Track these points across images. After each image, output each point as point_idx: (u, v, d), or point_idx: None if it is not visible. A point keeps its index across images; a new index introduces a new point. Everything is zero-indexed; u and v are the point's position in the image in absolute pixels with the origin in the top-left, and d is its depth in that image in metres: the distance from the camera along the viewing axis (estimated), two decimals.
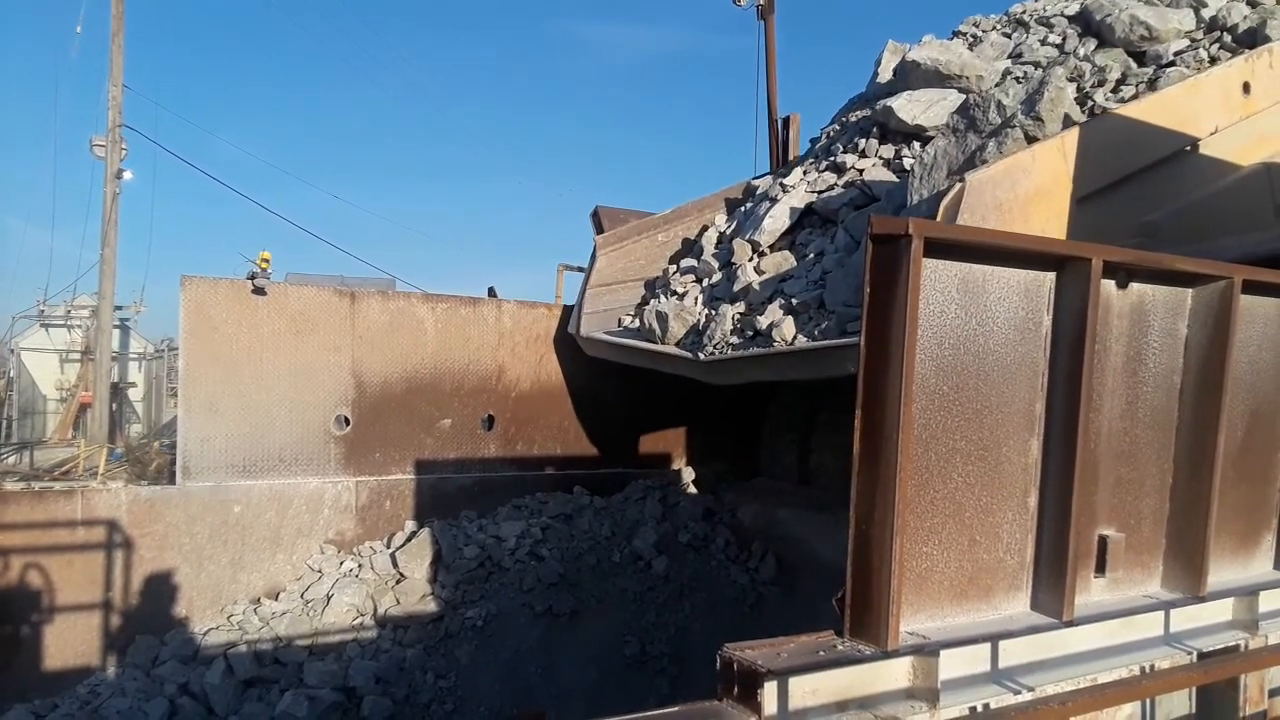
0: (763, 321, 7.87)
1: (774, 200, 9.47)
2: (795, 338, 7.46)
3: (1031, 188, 6.07)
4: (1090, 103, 7.41)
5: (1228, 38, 8.00)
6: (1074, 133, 6.35)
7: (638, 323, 9.75)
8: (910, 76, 9.25)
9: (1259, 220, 6.82)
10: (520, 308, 11.14)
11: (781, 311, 7.85)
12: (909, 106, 8.64)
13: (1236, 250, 6.02)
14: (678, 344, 8.91)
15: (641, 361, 9.47)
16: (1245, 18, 7.99)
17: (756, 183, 11.21)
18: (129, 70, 20.29)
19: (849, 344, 6.47)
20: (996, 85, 8.33)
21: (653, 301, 9.98)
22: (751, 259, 9.05)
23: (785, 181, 9.85)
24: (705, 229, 11.00)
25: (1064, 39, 9.03)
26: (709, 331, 8.42)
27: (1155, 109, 6.62)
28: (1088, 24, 8.96)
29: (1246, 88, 6.91)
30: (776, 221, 9.04)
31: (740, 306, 8.46)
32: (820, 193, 9.10)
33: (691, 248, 10.93)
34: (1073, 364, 3.31)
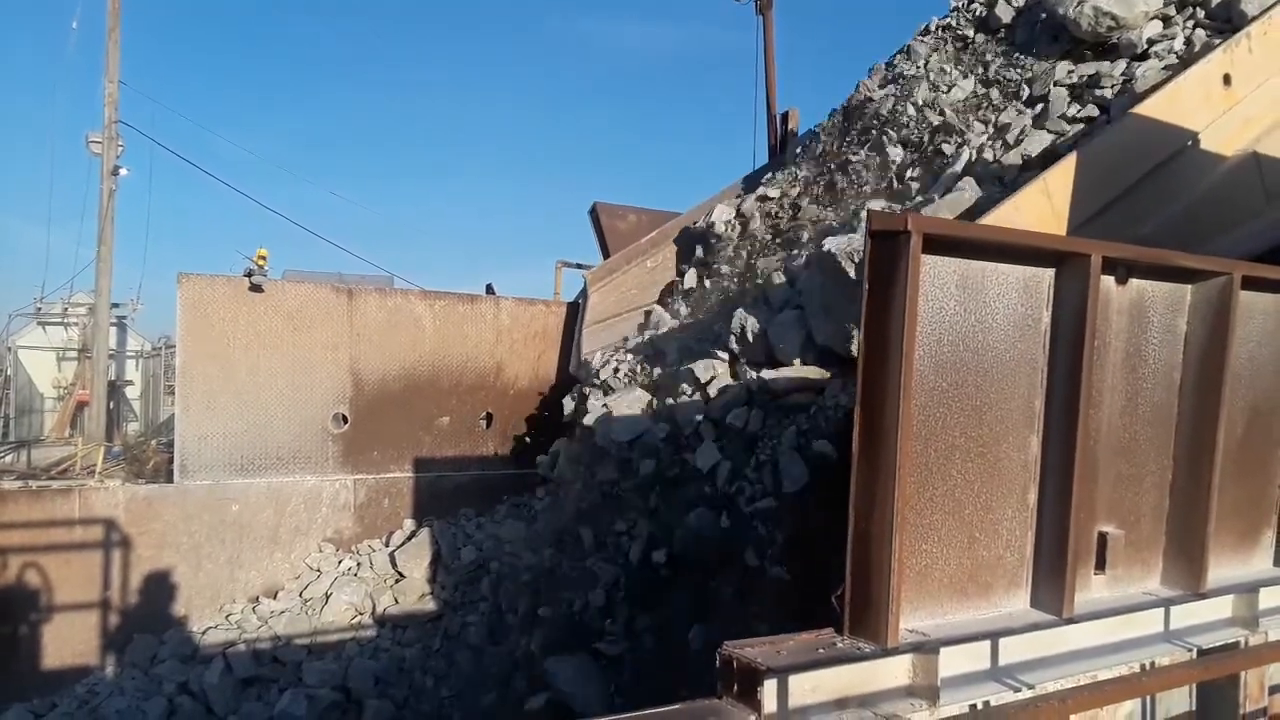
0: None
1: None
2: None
3: None
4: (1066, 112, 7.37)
5: (1201, 13, 7.85)
6: (1056, 171, 6.25)
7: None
8: None
9: (1251, 208, 6.77)
10: (518, 305, 11.13)
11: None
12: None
13: (1233, 250, 6.00)
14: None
15: None
16: None
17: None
18: (126, 66, 20.21)
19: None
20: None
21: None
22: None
23: None
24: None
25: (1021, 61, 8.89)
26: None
27: (1137, 125, 6.53)
28: (1050, 18, 8.80)
29: (1227, 79, 6.80)
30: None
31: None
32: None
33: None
34: (1072, 360, 3.29)
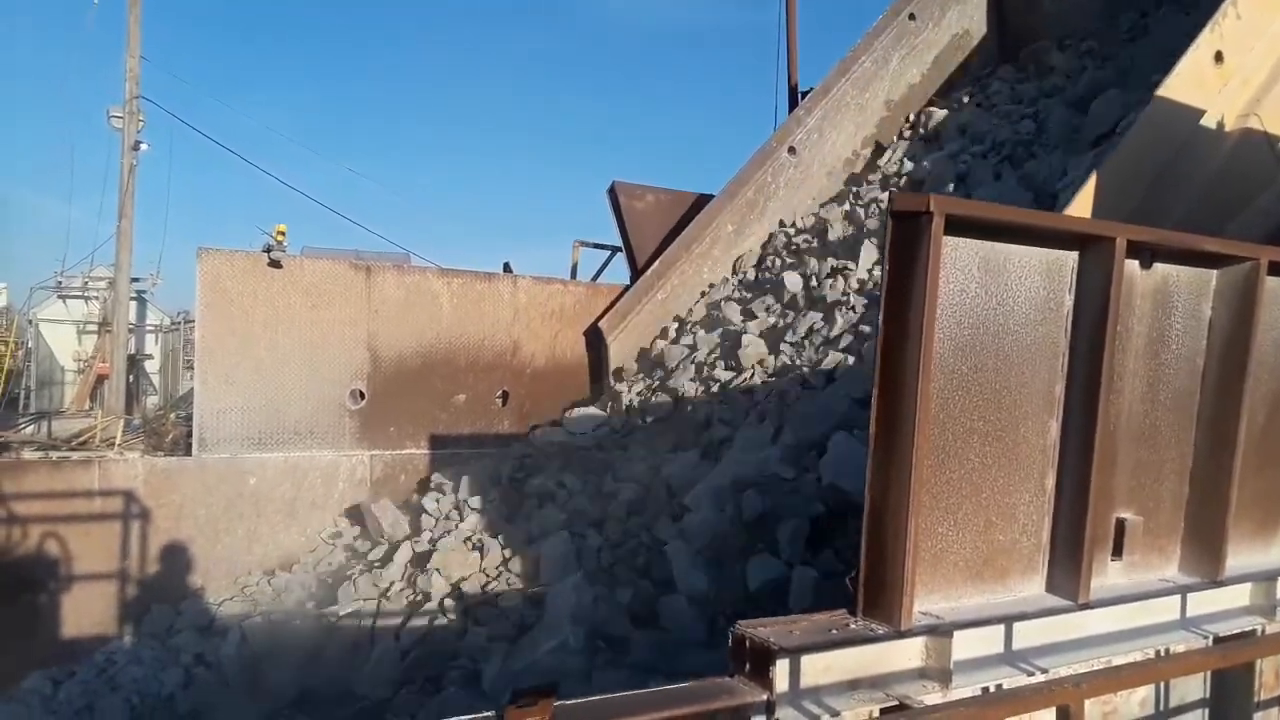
0: None
1: None
2: None
3: None
4: None
5: None
6: (1073, 208, 6.07)
7: None
8: None
9: (1264, 179, 6.64)
10: (535, 283, 11.11)
11: None
12: None
13: (1252, 227, 5.88)
14: None
15: None
16: None
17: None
18: (147, 42, 20.28)
19: None
20: None
21: None
22: None
23: None
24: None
25: None
26: None
27: (1141, 132, 6.41)
28: None
29: (1219, 56, 6.63)
30: None
31: None
32: None
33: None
34: (1094, 345, 3.26)
